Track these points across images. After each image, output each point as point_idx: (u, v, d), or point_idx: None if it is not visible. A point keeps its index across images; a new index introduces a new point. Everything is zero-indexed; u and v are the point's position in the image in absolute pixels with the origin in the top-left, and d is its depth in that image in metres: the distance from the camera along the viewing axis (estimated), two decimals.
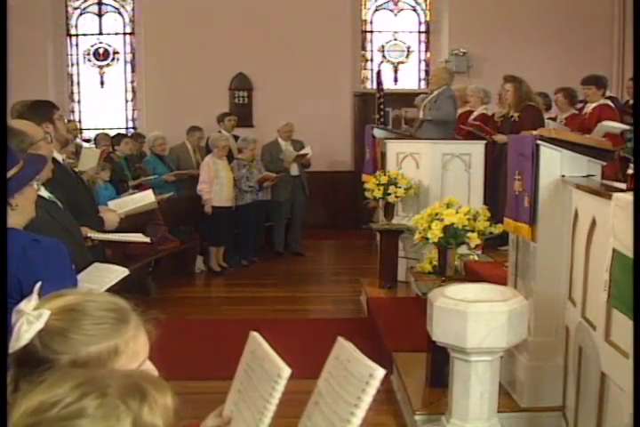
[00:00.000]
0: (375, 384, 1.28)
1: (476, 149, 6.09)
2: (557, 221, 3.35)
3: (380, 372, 1.29)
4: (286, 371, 1.46)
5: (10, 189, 1.98)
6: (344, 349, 1.41)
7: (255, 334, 1.60)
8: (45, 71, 10.00)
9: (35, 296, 1.21)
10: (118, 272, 2.66)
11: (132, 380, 1.02)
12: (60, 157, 3.35)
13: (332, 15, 9.82)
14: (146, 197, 4.07)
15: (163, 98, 9.82)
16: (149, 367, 1.24)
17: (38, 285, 1.25)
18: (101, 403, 0.95)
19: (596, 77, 6.38)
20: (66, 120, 4.13)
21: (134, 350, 1.20)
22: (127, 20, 10.49)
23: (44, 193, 2.77)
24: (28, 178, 2.07)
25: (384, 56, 10.66)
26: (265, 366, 1.51)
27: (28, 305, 1.19)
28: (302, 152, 8.30)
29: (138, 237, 3.65)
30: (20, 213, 2.06)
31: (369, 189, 6.14)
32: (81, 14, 10.45)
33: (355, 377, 1.33)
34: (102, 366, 1.15)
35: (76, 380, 0.99)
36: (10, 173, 1.97)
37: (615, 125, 5.63)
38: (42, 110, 3.18)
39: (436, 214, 3.95)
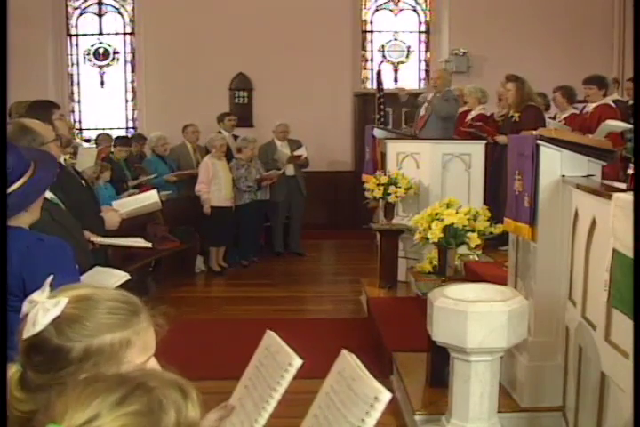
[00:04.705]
0: (380, 408, 1.27)
1: (476, 149, 6.09)
2: (557, 221, 3.35)
3: (386, 395, 1.28)
4: (297, 360, 1.47)
5: (31, 193, 1.99)
6: (348, 364, 1.40)
7: (271, 333, 1.62)
8: (45, 71, 10.00)
9: (47, 288, 1.22)
10: (119, 277, 2.68)
11: (173, 378, 1.05)
12: (61, 158, 3.34)
13: (332, 15, 9.82)
14: (150, 197, 4.05)
15: (163, 98, 9.82)
16: (154, 364, 1.25)
17: (50, 278, 1.26)
18: (148, 399, 0.98)
19: (598, 77, 6.34)
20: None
21: (145, 342, 1.23)
22: (127, 20, 10.49)
23: (47, 194, 2.77)
24: (47, 182, 2.09)
25: (384, 56, 10.66)
26: (277, 359, 1.52)
27: (41, 296, 1.20)
28: (296, 153, 8.28)
29: (139, 242, 3.64)
30: (31, 214, 2.08)
31: (369, 189, 6.13)
32: (81, 14, 10.45)
33: (359, 397, 1.31)
34: (114, 356, 1.17)
35: (114, 385, 1.00)
36: (25, 178, 1.96)
37: (619, 124, 5.61)
38: (40, 111, 3.17)
39: (436, 214, 3.94)
